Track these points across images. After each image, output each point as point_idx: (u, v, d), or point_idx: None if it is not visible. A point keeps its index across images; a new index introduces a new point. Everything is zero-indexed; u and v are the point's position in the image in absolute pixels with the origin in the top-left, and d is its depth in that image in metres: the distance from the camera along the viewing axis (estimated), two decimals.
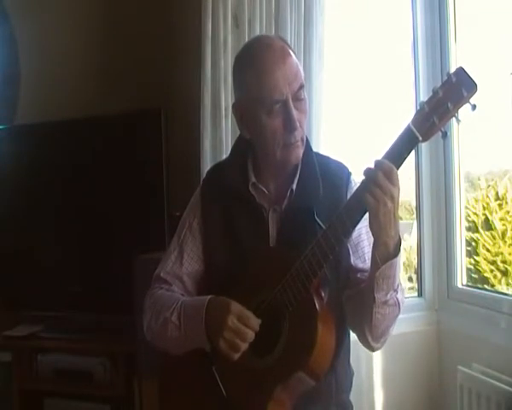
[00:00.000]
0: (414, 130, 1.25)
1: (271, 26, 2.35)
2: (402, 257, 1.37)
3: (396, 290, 1.38)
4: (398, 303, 1.40)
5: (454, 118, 1.25)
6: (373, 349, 1.50)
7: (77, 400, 2.67)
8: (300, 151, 1.49)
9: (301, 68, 1.49)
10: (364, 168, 1.30)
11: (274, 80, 1.42)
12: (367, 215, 1.34)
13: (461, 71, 1.23)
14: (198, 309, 1.44)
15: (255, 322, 1.39)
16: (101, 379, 2.64)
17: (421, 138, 1.26)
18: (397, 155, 1.28)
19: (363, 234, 1.50)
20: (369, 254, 1.47)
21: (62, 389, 2.71)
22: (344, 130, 2.70)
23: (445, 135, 1.27)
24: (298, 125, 1.44)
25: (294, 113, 1.44)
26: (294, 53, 1.50)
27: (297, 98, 1.45)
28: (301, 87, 1.46)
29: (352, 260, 1.50)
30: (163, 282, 1.59)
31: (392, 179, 1.27)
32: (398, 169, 1.29)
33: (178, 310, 1.48)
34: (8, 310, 2.88)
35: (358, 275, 1.49)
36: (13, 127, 2.99)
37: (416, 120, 1.26)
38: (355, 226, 1.35)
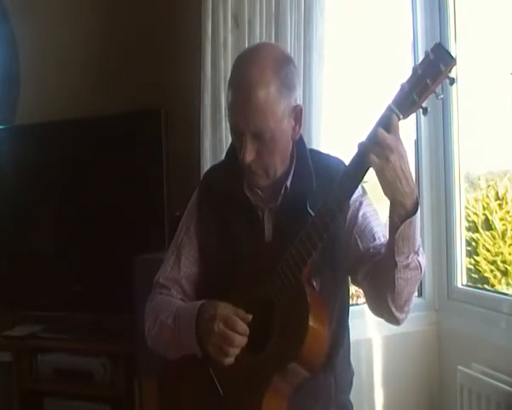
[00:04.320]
0: (394, 109, 1.25)
1: (271, 26, 2.35)
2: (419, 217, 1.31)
3: (417, 253, 1.34)
4: (420, 266, 1.36)
5: (434, 94, 1.24)
6: (398, 322, 1.44)
7: (77, 400, 2.67)
8: (261, 180, 1.48)
9: (277, 107, 1.39)
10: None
11: (233, 109, 1.43)
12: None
13: (438, 46, 1.22)
14: (190, 316, 1.44)
15: (243, 326, 1.37)
16: (101, 379, 2.63)
17: (401, 116, 1.25)
18: None
19: (368, 217, 1.49)
20: (379, 232, 1.47)
21: (62, 389, 2.70)
22: (344, 130, 2.69)
23: (425, 111, 1.26)
24: (248, 158, 1.42)
25: (252, 145, 1.41)
26: (284, 76, 1.40)
27: (257, 140, 1.41)
28: (259, 134, 1.40)
29: (361, 248, 1.47)
30: (162, 287, 1.61)
31: (390, 130, 1.25)
32: None
33: (174, 314, 1.49)
34: (8, 310, 2.88)
35: (371, 250, 1.46)
36: (13, 127, 2.99)
37: (396, 100, 1.26)
38: (340, 209, 1.33)
